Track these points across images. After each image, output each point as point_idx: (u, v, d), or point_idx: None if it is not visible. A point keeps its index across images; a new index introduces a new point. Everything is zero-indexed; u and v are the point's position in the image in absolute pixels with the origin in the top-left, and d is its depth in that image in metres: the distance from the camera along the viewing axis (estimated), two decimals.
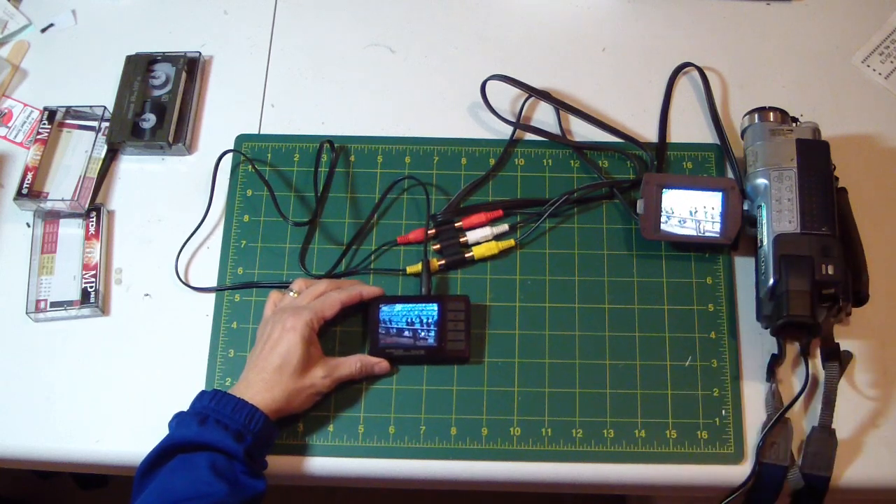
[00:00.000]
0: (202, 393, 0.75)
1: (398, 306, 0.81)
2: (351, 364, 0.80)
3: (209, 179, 0.90)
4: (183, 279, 0.86)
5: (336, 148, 0.91)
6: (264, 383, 0.75)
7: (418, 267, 0.85)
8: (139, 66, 0.94)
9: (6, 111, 0.95)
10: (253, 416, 0.72)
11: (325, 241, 0.87)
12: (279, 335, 0.76)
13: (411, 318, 0.81)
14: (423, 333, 0.81)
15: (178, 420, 0.73)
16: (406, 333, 0.81)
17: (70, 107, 0.93)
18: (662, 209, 0.84)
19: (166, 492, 0.68)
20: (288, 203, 0.89)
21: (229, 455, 0.70)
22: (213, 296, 0.85)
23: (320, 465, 0.78)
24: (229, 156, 0.91)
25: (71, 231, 0.88)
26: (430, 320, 0.81)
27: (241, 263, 0.87)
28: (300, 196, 0.89)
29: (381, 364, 0.81)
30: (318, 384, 0.77)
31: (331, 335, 0.83)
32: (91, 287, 0.85)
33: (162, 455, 0.71)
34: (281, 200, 0.89)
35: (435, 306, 0.81)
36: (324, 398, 0.79)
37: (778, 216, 0.79)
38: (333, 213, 0.89)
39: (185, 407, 0.81)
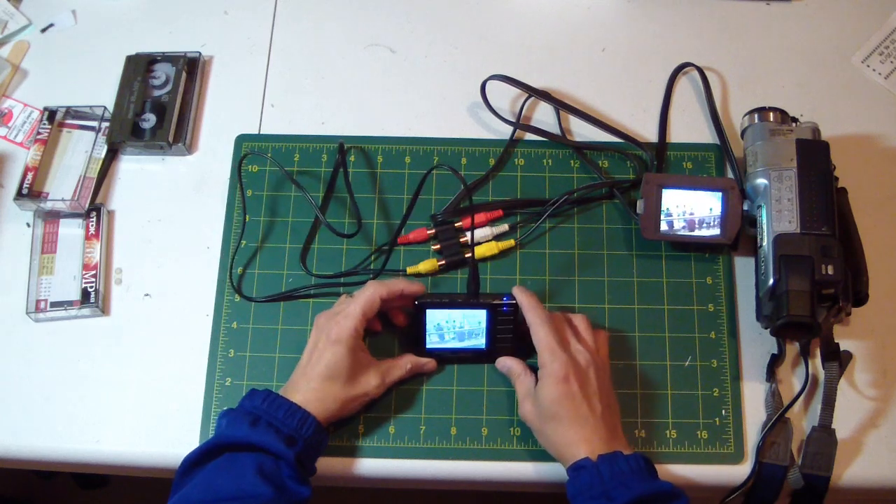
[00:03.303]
0: (253, 392, 0.74)
1: (446, 310, 0.81)
2: (402, 366, 0.80)
3: (209, 180, 0.91)
4: (235, 287, 0.86)
5: (345, 149, 0.91)
6: (315, 392, 0.74)
7: (419, 267, 0.85)
8: (139, 66, 0.94)
9: (6, 111, 0.95)
10: (305, 421, 0.72)
11: (327, 241, 0.87)
12: (324, 347, 0.75)
13: (459, 321, 0.81)
14: (472, 336, 0.81)
15: (229, 419, 0.73)
16: (454, 336, 0.81)
17: (70, 107, 0.93)
18: (662, 209, 0.84)
19: (210, 489, 0.68)
20: (288, 203, 0.89)
21: (278, 458, 0.70)
22: (213, 296, 0.85)
23: (320, 465, 0.78)
24: (228, 155, 0.91)
25: (71, 231, 0.88)
26: (478, 323, 0.81)
27: (240, 263, 0.87)
28: (301, 196, 0.89)
29: (429, 364, 0.81)
30: (373, 393, 0.77)
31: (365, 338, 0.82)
32: (91, 287, 0.85)
33: (209, 452, 0.70)
34: (282, 200, 0.89)
35: (484, 310, 0.80)
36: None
37: (778, 216, 0.79)
38: (334, 213, 0.89)
39: (185, 407, 0.81)
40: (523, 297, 0.79)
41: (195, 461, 0.71)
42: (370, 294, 0.78)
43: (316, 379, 0.75)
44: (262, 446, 0.70)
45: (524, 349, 0.79)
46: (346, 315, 0.76)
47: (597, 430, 0.72)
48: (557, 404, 0.73)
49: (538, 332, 0.76)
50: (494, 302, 0.80)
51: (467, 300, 0.81)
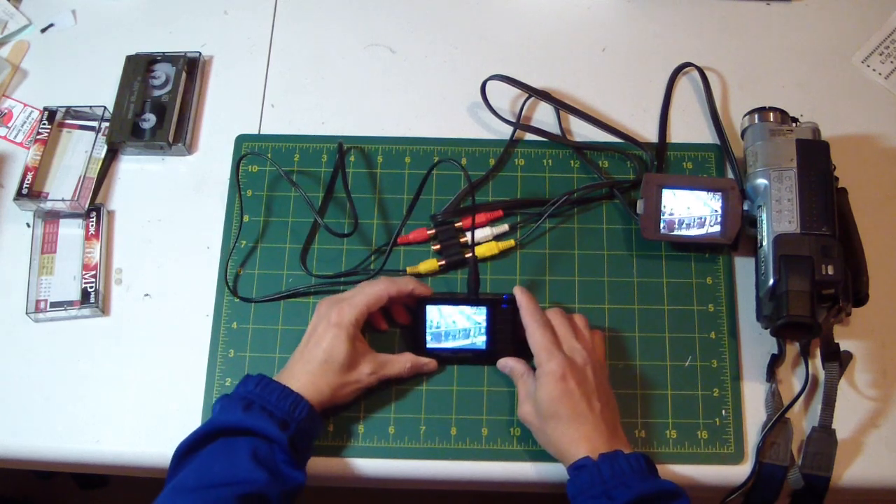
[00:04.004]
0: (247, 377, 0.75)
1: (446, 307, 0.81)
2: (401, 364, 0.79)
3: (209, 180, 0.91)
4: (230, 288, 0.86)
5: (345, 149, 0.91)
6: (310, 376, 0.75)
7: (419, 267, 0.85)
8: (139, 66, 0.94)
9: (6, 111, 0.95)
10: (298, 404, 0.72)
11: (327, 241, 0.87)
12: (324, 330, 0.76)
13: (459, 319, 0.81)
14: (472, 336, 0.81)
15: (223, 404, 0.73)
16: (454, 335, 0.81)
17: (70, 107, 0.93)
18: (662, 209, 0.84)
19: (205, 474, 0.68)
20: (288, 203, 0.89)
21: (272, 442, 0.70)
22: (213, 296, 0.85)
23: (320, 465, 0.78)
24: (228, 155, 0.91)
25: (71, 231, 0.88)
26: (479, 323, 0.81)
27: (240, 263, 0.87)
28: (302, 196, 0.89)
29: (429, 364, 0.81)
30: (364, 381, 0.77)
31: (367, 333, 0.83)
32: (91, 287, 0.85)
33: (203, 437, 0.71)
34: (282, 200, 0.89)
35: (483, 308, 0.81)
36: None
37: (778, 216, 0.79)
38: (334, 214, 0.89)
39: (185, 407, 0.81)
40: (522, 298, 0.79)
41: (190, 447, 0.71)
42: (379, 290, 0.78)
43: (313, 362, 0.75)
44: (255, 430, 0.70)
45: (525, 350, 0.79)
46: (349, 303, 0.77)
47: (597, 428, 0.72)
48: (556, 403, 0.73)
49: (534, 334, 0.76)
50: (494, 299, 0.81)
51: (467, 297, 0.81)
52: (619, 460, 0.70)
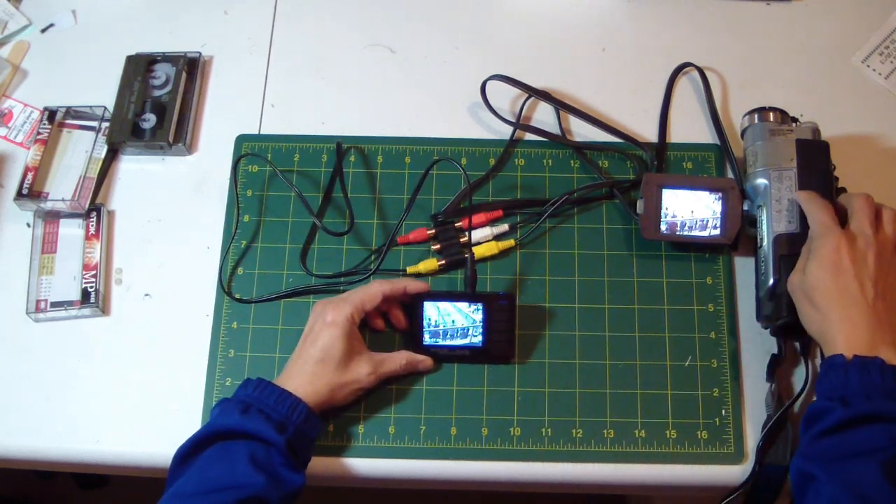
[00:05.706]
0: (247, 381, 0.75)
1: (442, 304, 0.81)
2: (397, 361, 0.80)
3: (209, 180, 0.91)
4: (226, 289, 0.86)
5: (344, 148, 0.91)
6: (307, 376, 0.75)
7: (419, 267, 0.85)
8: (139, 66, 0.94)
9: (6, 111, 0.95)
10: (296, 407, 0.72)
11: (327, 241, 0.87)
12: (319, 329, 0.76)
13: (456, 316, 0.81)
14: (468, 333, 0.81)
15: (221, 408, 0.73)
16: (451, 332, 0.81)
17: (70, 107, 0.93)
18: (662, 209, 0.84)
19: (204, 480, 0.68)
20: (288, 203, 0.89)
21: (269, 445, 0.70)
22: (213, 296, 0.86)
23: (320, 465, 0.78)
24: (228, 155, 0.91)
25: (71, 231, 0.88)
26: (475, 319, 0.81)
27: (241, 264, 0.87)
28: (300, 196, 0.89)
29: (425, 362, 0.81)
30: (363, 380, 0.77)
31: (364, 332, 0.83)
32: (91, 287, 0.85)
33: (202, 442, 0.71)
34: (281, 200, 0.89)
35: (480, 305, 0.81)
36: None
37: (778, 216, 0.79)
38: (334, 213, 0.89)
39: (185, 407, 0.81)
40: (802, 195, 0.76)
41: (188, 452, 0.71)
42: (373, 289, 0.79)
43: (309, 361, 0.75)
44: (253, 433, 0.70)
45: (514, 348, 0.79)
46: (344, 301, 0.78)
47: (864, 317, 0.65)
48: (824, 275, 0.67)
49: (812, 211, 0.73)
50: (491, 295, 0.81)
51: (464, 294, 0.81)
52: (872, 370, 0.62)
